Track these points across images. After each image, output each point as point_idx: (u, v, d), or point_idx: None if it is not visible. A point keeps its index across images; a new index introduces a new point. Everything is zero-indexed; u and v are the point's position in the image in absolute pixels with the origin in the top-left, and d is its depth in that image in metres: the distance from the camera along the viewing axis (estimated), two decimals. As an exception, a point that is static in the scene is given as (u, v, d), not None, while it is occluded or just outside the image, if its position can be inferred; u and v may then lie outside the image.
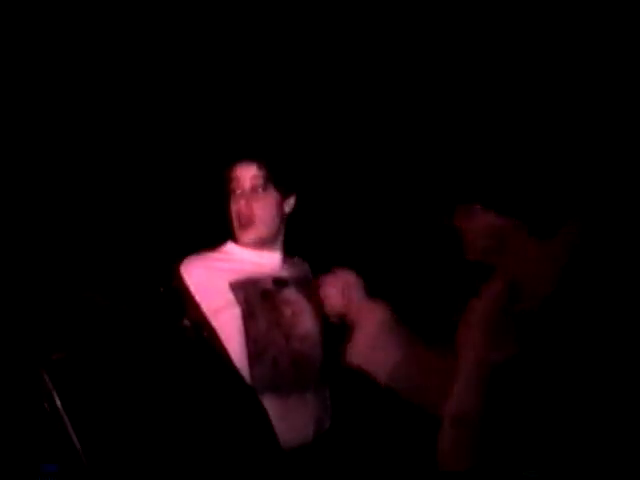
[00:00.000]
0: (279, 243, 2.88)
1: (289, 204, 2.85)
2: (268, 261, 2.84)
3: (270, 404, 2.65)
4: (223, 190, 2.83)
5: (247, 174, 2.80)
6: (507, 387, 2.04)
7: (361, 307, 2.46)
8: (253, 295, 2.75)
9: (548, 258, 2.06)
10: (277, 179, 2.79)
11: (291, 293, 2.78)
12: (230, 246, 2.88)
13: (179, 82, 3.39)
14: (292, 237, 2.88)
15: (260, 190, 2.78)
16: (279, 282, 2.75)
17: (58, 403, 2.25)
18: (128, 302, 3.03)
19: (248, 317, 2.73)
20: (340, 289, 2.54)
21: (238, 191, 2.80)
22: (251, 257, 2.82)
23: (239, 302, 2.75)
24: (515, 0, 3.11)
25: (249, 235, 2.80)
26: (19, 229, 3.21)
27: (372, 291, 2.57)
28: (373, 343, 2.41)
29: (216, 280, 2.77)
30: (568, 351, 1.96)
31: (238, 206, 2.80)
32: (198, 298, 2.74)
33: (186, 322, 2.71)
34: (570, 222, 2.08)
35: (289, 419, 2.69)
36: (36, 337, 2.75)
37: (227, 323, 2.73)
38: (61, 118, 3.31)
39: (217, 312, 2.74)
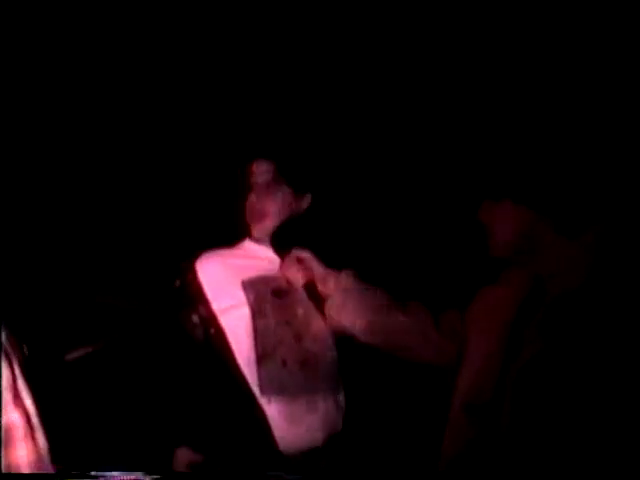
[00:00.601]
0: None
1: (303, 201, 2.81)
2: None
3: (277, 406, 2.64)
4: (242, 186, 2.82)
5: (259, 169, 2.79)
6: (532, 385, 1.98)
7: (326, 277, 2.56)
8: (264, 293, 2.72)
9: (577, 257, 2.03)
10: (289, 175, 2.77)
11: (304, 292, 2.72)
12: (247, 243, 2.85)
13: (195, 78, 3.38)
14: (312, 235, 2.81)
15: (272, 185, 2.77)
16: (308, 288, 2.67)
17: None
18: (134, 298, 3.05)
19: (257, 316, 2.70)
20: (297, 267, 2.62)
21: (251, 186, 2.80)
22: (267, 254, 2.79)
23: (249, 301, 2.72)
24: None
25: (260, 228, 2.79)
26: (28, 229, 3.21)
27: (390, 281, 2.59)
28: (340, 304, 2.51)
29: (229, 277, 2.76)
30: (594, 350, 1.91)
31: (250, 201, 2.80)
32: (209, 295, 2.74)
33: (195, 318, 2.73)
34: (599, 222, 2.04)
35: (297, 422, 2.65)
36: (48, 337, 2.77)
37: (236, 322, 2.71)
38: (74, 115, 3.32)
39: (226, 310, 2.73)
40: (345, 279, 2.56)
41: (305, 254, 2.63)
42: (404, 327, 2.46)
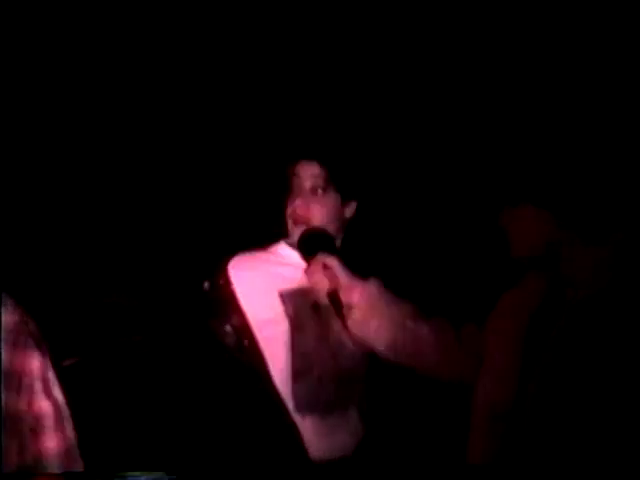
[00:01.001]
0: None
1: (349, 210, 2.69)
2: None
3: (311, 422, 2.59)
4: (282, 186, 2.69)
5: (308, 172, 2.64)
6: (553, 392, 1.97)
7: (351, 285, 2.42)
8: (303, 307, 2.63)
9: (598, 263, 2.00)
10: (339, 181, 2.64)
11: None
12: (282, 247, 2.72)
13: (245, 76, 3.26)
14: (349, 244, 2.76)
15: (320, 191, 2.63)
16: (331, 295, 2.50)
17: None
18: (160, 302, 2.99)
19: (296, 331, 2.62)
20: (323, 273, 2.46)
21: (297, 189, 2.65)
22: (303, 260, 2.63)
23: (288, 315, 2.63)
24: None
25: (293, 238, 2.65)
26: (44, 228, 3.13)
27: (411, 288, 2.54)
28: (366, 316, 2.39)
29: (265, 287, 2.64)
30: (615, 357, 1.90)
31: (295, 205, 2.65)
32: (244, 303, 2.62)
33: (228, 328, 2.62)
34: (621, 229, 2.01)
35: (329, 436, 2.62)
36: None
37: (274, 336, 2.62)
38: (95, 117, 3.21)
39: (264, 324, 2.63)
40: (370, 289, 2.43)
41: (331, 260, 2.47)
42: (428, 344, 2.39)
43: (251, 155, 3.30)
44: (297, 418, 2.60)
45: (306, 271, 2.51)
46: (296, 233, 2.64)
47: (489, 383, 2.15)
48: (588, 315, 1.96)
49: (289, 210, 2.67)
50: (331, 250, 2.50)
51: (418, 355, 2.38)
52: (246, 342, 2.61)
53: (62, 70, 3.09)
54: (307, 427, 2.60)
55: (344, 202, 2.68)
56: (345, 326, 2.42)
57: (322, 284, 2.45)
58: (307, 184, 2.64)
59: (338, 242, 2.69)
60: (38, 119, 3.11)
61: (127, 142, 3.25)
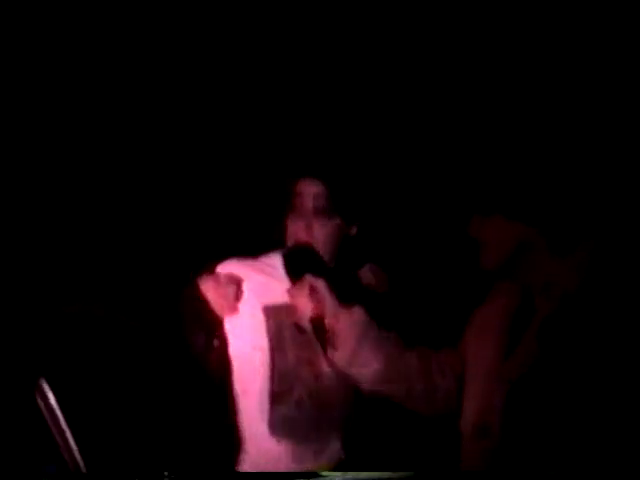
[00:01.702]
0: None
1: (350, 232, 2.57)
2: None
3: (286, 447, 2.47)
4: (283, 201, 2.57)
5: (311, 191, 2.51)
6: (528, 395, 1.99)
7: (337, 312, 2.31)
8: (285, 325, 2.50)
9: (568, 271, 2.03)
10: (343, 204, 2.52)
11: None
12: (276, 259, 2.57)
13: (252, 89, 3.19)
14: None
15: (323, 211, 2.50)
16: (315, 321, 2.37)
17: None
18: (132, 310, 2.87)
19: (276, 350, 2.49)
20: (308, 295, 2.35)
21: (299, 208, 2.52)
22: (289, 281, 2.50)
23: (268, 331, 2.50)
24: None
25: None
26: (24, 236, 3.03)
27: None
28: (354, 347, 2.27)
29: (249, 294, 2.51)
30: (588, 361, 1.93)
31: (297, 226, 2.52)
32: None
33: (201, 335, 2.49)
34: (590, 237, 2.05)
35: (307, 462, 2.49)
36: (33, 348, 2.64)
37: (251, 352, 2.51)
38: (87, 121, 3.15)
39: (240, 335, 2.52)
40: (357, 318, 2.32)
41: (318, 283, 2.35)
42: (415, 375, 2.30)
43: (253, 167, 3.20)
44: (272, 441, 2.48)
45: (290, 292, 2.40)
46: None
47: (473, 399, 2.15)
48: (558, 323, 1.99)
49: (289, 230, 2.55)
50: (319, 272, 2.39)
51: (404, 387, 2.29)
52: (216, 343, 2.50)
53: (62, 70, 3.04)
54: (283, 451, 2.48)
55: (347, 225, 2.56)
56: (327, 356, 2.32)
57: (306, 307, 2.35)
58: (310, 203, 2.52)
59: (331, 260, 2.56)
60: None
61: (116, 154, 3.19)
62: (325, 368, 2.49)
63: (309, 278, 2.36)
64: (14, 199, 3.00)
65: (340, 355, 2.28)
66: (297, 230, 2.52)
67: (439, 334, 2.39)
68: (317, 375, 2.51)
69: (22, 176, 3.02)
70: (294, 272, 2.44)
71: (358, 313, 2.31)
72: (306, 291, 2.35)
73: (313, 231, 2.51)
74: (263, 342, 2.51)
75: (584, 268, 2.01)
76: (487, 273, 2.13)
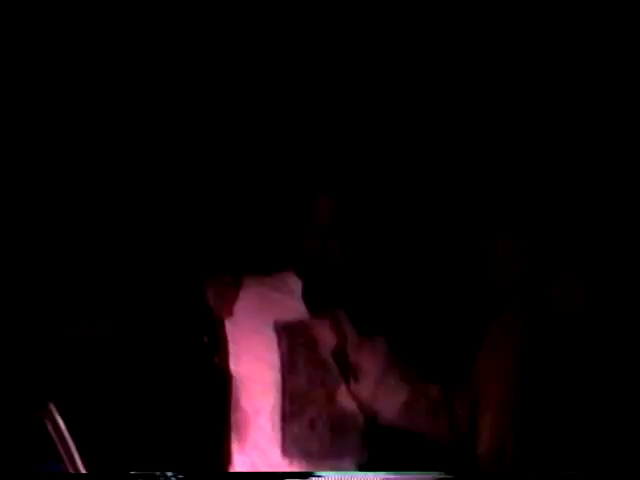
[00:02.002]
0: None
1: (359, 250, 2.52)
2: None
3: (299, 467, 2.39)
4: (298, 217, 2.52)
5: (327, 208, 2.47)
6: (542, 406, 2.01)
7: (359, 345, 2.30)
8: (299, 344, 2.43)
9: (576, 290, 2.03)
10: (356, 222, 2.48)
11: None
12: (291, 277, 2.50)
13: (266, 105, 3.14)
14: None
15: (339, 230, 2.46)
16: (338, 354, 2.35)
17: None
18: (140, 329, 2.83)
19: (288, 370, 2.42)
20: (331, 328, 2.32)
21: (315, 225, 2.47)
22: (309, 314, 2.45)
23: (281, 350, 2.44)
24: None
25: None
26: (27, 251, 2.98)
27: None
28: (378, 380, 2.27)
29: (263, 314, 2.46)
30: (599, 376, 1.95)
31: (312, 242, 2.47)
32: (231, 321, 2.45)
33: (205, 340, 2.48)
34: (597, 254, 2.05)
35: None
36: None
37: (262, 371, 2.45)
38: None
39: (253, 354, 2.46)
40: (380, 350, 2.31)
41: (340, 315, 2.32)
42: (436, 408, 2.28)
43: (269, 182, 3.14)
44: (284, 462, 2.42)
45: (311, 325, 2.35)
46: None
47: (489, 425, 2.13)
48: (565, 341, 2.01)
49: (305, 247, 2.49)
50: (339, 303, 2.36)
51: (425, 419, 2.28)
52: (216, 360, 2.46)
53: (62, 70, 2.99)
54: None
55: (357, 242, 2.51)
56: (350, 388, 2.30)
57: (329, 340, 2.32)
58: (326, 220, 2.47)
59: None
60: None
61: (128, 172, 3.13)
62: (340, 390, 2.42)
63: (330, 310, 2.33)
64: (23, 221, 2.97)
65: (363, 388, 2.26)
66: (313, 248, 2.47)
67: (452, 361, 2.36)
68: (331, 396, 2.44)
69: (33, 195, 2.99)
70: (314, 307, 2.39)
71: (380, 345, 2.29)
72: (327, 323, 2.33)
73: (329, 249, 2.47)
74: (275, 361, 2.45)
75: (584, 287, 2.02)
76: (495, 297, 2.12)
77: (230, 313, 2.46)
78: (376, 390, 2.26)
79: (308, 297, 2.39)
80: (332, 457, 2.44)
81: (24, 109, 2.91)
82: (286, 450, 2.43)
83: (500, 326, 2.19)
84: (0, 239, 2.92)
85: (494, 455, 2.09)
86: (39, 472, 2.19)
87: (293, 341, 2.45)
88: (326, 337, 2.31)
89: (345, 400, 2.43)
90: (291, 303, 2.45)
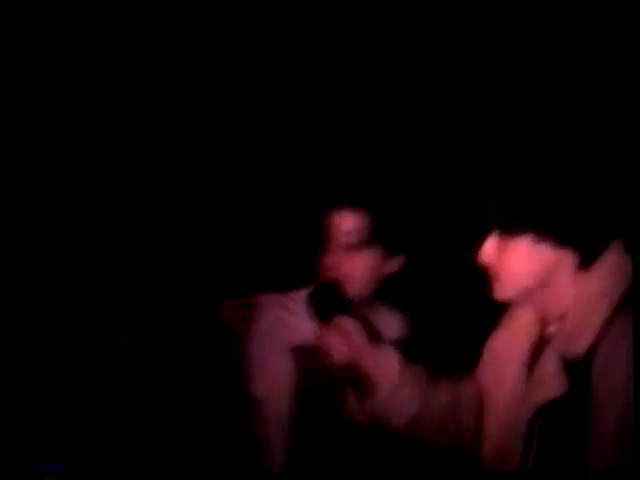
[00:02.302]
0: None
1: (393, 264, 2.36)
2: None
3: None
4: (315, 233, 2.38)
5: (347, 224, 2.30)
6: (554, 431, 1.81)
7: (373, 355, 2.15)
8: (316, 371, 2.33)
9: (590, 289, 1.83)
10: (384, 235, 2.31)
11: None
12: (305, 296, 2.33)
13: (283, 115, 3.07)
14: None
15: (359, 247, 2.29)
16: (348, 367, 2.18)
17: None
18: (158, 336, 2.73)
19: (300, 399, 2.34)
20: (342, 338, 2.15)
21: (333, 243, 2.31)
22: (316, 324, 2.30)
23: (297, 375, 2.35)
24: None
25: None
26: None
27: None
28: (391, 391, 2.12)
29: (276, 335, 2.38)
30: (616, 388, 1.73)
31: (328, 261, 2.32)
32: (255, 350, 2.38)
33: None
34: (611, 244, 1.85)
35: None
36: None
37: (277, 389, 2.36)
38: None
39: (268, 380, 2.37)
40: (393, 361, 2.16)
41: (349, 324, 2.16)
42: (446, 413, 2.17)
43: (285, 197, 3.06)
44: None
45: (319, 336, 2.20)
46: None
47: (494, 430, 1.99)
48: (578, 346, 1.80)
49: (321, 265, 2.35)
50: (348, 311, 2.20)
51: (436, 426, 2.15)
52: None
53: (62, 70, 2.97)
54: None
55: (390, 256, 2.35)
56: (361, 401, 2.15)
57: (339, 352, 2.16)
58: (344, 238, 2.31)
59: (365, 298, 2.38)
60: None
61: (142, 182, 3.12)
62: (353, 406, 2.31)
63: (338, 320, 2.18)
64: (29, 225, 2.96)
65: (377, 400, 2.13)
66: (329, 268, 2.33)
67: (455, 361, 2.26)
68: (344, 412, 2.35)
69: (40, 201, 2.97)
70: (321, 316, 2.22)
71: (392, 354, 2.15)
72: (336, 334, 2.17)
73: (345, 266, 2.32)
74: (290, 387, 2.36)
75: (602, 289, 1.82)
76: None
77: (246, 334, 2.39)
78: (389, 401, 2.13)
79: (320, 314, 2.23)
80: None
81: (24, 109, 2.89)
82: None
83: (507, 326, 2.07)
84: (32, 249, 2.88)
85: (498, 462, 1.94)
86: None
87: (310, 368, 2.36)
88: (333, 348, 2.16)
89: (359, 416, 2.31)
90: (306, 325, 2.29)
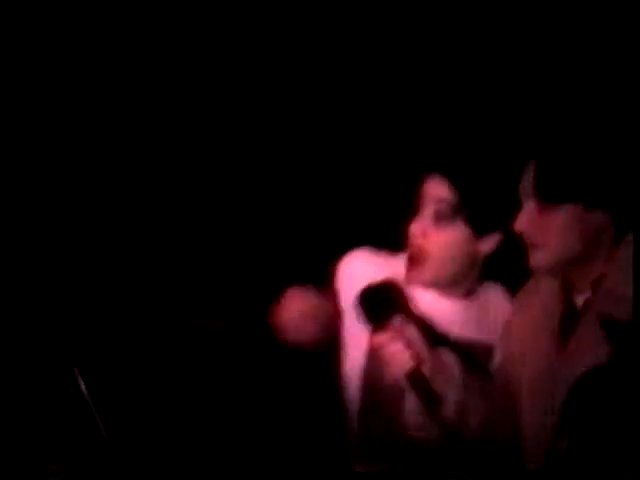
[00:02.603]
0: (463, 290, 2.24)
1: (488, 244, 2.19)
2: (442, 308, 2.19)
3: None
4: (406, 206, 2.27)
5: (433, 194, 2.19)
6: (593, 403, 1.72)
7: (435, 361, 2.01)
8: (374, 382, 2.18)
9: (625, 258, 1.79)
10: (473, 208, 2.16)
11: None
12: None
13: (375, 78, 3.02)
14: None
15: (445, 220, 2.17)
16: (413, 376, 1.99)
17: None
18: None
19: (370, 361, 2.18)
20: (405, 344, 1.98)
21: (418, 214, 2.20)
22: (422, 297, 2.18)
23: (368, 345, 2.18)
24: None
25: (415, 275, 2.19)
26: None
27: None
28: (458, 407, 1.99)
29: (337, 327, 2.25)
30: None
31: (412, 235, 2.20)
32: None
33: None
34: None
35: None
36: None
37: (351, 355, 2.25)
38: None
39: (348, 337, 2.26)
40: (455, 368, 2.05)
41: (410, 328, 2.01)
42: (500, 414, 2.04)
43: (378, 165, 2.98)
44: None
45: (376, 343, 2.02)
46: (408, 271, 2.20)
47: (529, 405, 1.91)
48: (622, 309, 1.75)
49: (409, 233, 2.22)
50: (405, 311, 2.03)
51: (500, 427, 2.01)
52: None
53: (62, 70, 2.98)
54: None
55: (478, 234, 2.19)
56: (427, 414, 1.99)
57: (401, 359, 1.98)
58: (430, 208, 2.19)
59: (468, 284, 2.23)
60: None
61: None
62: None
63: (396, 322, 2.01)
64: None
65: (447, 407, 1.99)
66: (412, 238, 2.21)
67: None
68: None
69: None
70: (375, 320, 2.05)
71: (453, 361, 2.04)
72: (397, 339, 1.99)
73: (429, 241, 2.19)
74: (362, 348, 2.21)
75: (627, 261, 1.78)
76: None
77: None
78: (459, 408, 2.00)
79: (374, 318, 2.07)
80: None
81: (23, 109, 2.91)
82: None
83: (532, 296, 2.00)
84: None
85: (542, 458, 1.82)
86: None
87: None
88: (397, 356, 1.99)
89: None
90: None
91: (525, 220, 1.87)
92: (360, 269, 2.25)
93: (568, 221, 1.83)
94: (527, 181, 1.89)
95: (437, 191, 2.19)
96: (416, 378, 1.97)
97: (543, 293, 1.95)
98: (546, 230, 1.85)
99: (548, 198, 1.84)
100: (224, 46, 2.98)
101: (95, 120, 2.96)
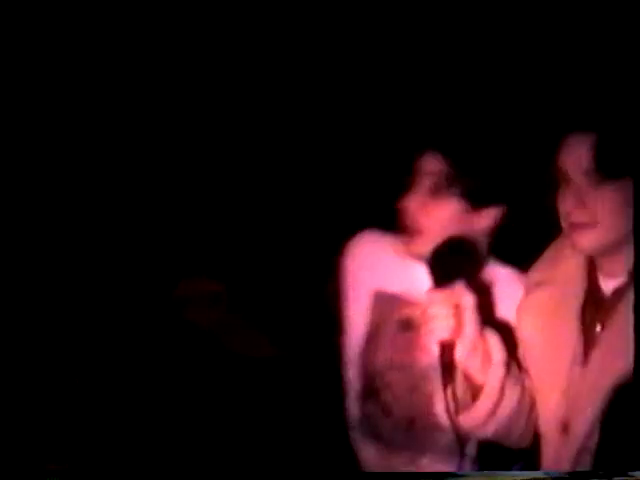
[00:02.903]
0: None
1: (485, 217, 2.11)
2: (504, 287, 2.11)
3: (375, 452, 2.16)
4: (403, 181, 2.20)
5: (428, 167, 2.12)
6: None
7: (477, 342, 1.87)
8: (388, 320, 2.16)
9: None
10: (464, 180, 2.07)
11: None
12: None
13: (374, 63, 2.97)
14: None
15: (440, 194, 2.09)
16: (445, 351, 1.92)
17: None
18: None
19: (368, 343, 2.16)
20: (451, 311, 1.86)
21: (413, 189, 2.14)
22: (417, 275, 2.11)
23: (368, 320, 2.17)
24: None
25: (411, 249, 2.13)
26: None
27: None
28: (497, 400, 1.87)
29: (370, 281, 2.21)
30: None
31: (411, 204, 2.12)
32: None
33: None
34: None
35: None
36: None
37: (353, 336, 2.22)
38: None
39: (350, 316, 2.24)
40: (497, 354, 1.92)
41: (466, 299, 1.88)
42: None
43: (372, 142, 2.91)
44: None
45: (429, 299, 1.92)
46: (408, 246, 2.14)
47: (553, 397, 1.83)
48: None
49: (404, 209, 2.15)
50: (470, 279, 1.93)
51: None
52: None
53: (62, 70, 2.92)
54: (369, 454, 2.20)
55: (474, 208, 2.11)
56: (455, 406, 1.91)
57: (443, 326, 1.88)
58: (425, 183, 2.12)
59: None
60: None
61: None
62: (426, 380, 2.11)
63: (458, 288, 1.90)
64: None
65: (480, 408, 1.89)
66: (409, 213, 2.14)
67: None
68: (412, 388, 2.15)
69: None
70: (441, 277, 1.96)
71: (499, 347, 1.89)
72: (450, 304, 1.88)
73: (424, 214, 2.11)
74: (361, 327, 2.20)
75: None
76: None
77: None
78: (492, 411, 1.90)
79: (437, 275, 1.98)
80: (407, 451, 2.17)
81: (23, 109, 2.87)
82: (360, 430, 2.21)
83: (556, 270, 1.90)
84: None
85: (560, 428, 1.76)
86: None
87: (382, 315, 2.19)
88: (441, 321, 1.88)
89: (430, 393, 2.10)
90: (399, 271, 2.15)
91: (571, 198, 1.77)
92: (369, 249, 2.24)
93: (620, 200, 1.73)
94: (575, 157, 1.77)
95: (431, 165, 2.12)
96: (446, 355, 1.88)
97: (564, 269, 1.87)
98: (595, 209, 1.75)
99: (605, 174, 1.73)
100: (221, 43, 2.95)
101: (95, 120, 2.94)
